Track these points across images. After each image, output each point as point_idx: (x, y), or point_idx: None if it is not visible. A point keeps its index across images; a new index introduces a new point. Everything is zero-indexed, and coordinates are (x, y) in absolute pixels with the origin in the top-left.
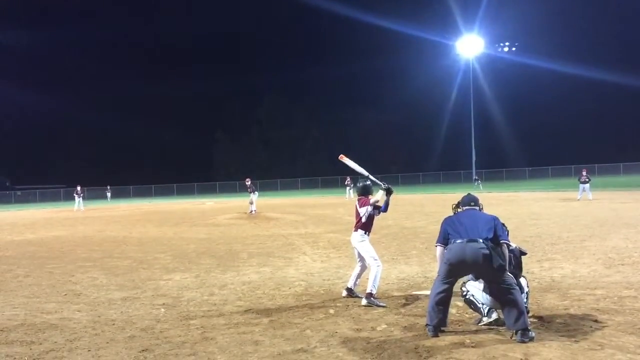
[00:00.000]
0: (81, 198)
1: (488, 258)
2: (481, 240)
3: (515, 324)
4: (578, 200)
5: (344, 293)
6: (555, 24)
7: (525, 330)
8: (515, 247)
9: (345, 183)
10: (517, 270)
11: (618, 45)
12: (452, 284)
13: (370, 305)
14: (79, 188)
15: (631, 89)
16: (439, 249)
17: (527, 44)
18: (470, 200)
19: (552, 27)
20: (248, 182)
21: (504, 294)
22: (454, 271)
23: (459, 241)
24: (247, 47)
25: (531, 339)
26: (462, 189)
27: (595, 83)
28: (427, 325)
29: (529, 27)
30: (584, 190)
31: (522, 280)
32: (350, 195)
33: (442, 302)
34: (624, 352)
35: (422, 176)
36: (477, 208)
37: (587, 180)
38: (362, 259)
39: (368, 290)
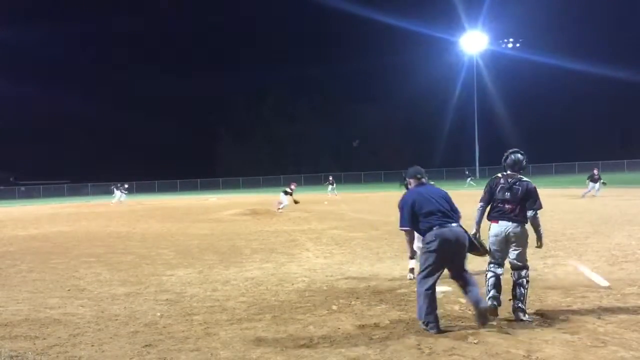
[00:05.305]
0: (123, 193)
1: (469, 240)
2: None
3: (481, 302)
4: (595, 196)
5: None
6: (559, 20)
7: (485, 307)
8: None
9: (329, 181)
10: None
11: (623, 41)
12: (440, 273)
13: None
14: (126, 185)
15: (636, 86)
16: (405, 233)
17: (531, 40)
18: (417, 173)
19: (556, 23)
20: (293, 187)
21: (466, 276)
22: (443, 259)
23: (448, 225)
24: (250, 43)
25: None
26: (477, 186)
27: (600, 79)
28: (427, 323)
29: (534, 23)
30: (593, 187)
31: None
32: (334, 193)
33: (435, 298)
34: (627, 349)
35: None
36: (425, 180)
37: (598, 178)
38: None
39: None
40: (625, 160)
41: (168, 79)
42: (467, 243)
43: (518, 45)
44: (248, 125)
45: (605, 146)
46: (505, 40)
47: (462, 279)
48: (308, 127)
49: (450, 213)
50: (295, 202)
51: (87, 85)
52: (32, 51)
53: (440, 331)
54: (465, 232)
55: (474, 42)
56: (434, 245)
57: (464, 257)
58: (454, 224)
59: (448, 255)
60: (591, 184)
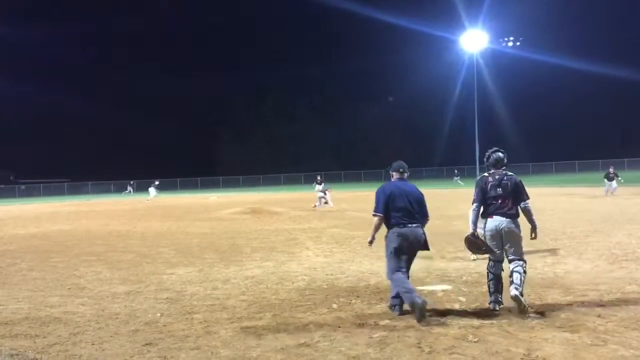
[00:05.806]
0: (156, 190)
1: (425, 241)
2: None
3: (416, 299)
4: (607, 196)
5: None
6: (560, 19)
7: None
8: None
9: (318, 180)
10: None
11: (623, 41)
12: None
13: None
14: (157, 182)
15: (636, 85)
16: (377, 219)
17: (532, 38)
18: (400, 167)
19: (557, 22)
20: (319, 179)
21: (407, 274)
22: (402, 253)
23: (410, 225)
24: (250, 43)
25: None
26: (465, 185)
27: (600, 78)
28: (393, 306)
29: (534, 21)
30: (610, 185)
31: None
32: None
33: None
34: (627, 348)
35: (425, 171)
36: (406, 176)
37: (614, 176)
38: None
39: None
40: (625, 159)
41: (168, 79)
42: (422, 243)
43: (518, 44)
44: (248, 125)
45: (606, 145)
46: (506, 39)
47: (405, 275)
48: (308, 127)
49: (416, 215)
50: (314, 206)
51: (87, 85)
52: (32, 51)
53: (402, 313)
54: (424, 233)
55: (474, 40)
56: (396, 242)
57: (413, 257)
58: (415, 225)
59: (404, 251)
60: (607, 182)
